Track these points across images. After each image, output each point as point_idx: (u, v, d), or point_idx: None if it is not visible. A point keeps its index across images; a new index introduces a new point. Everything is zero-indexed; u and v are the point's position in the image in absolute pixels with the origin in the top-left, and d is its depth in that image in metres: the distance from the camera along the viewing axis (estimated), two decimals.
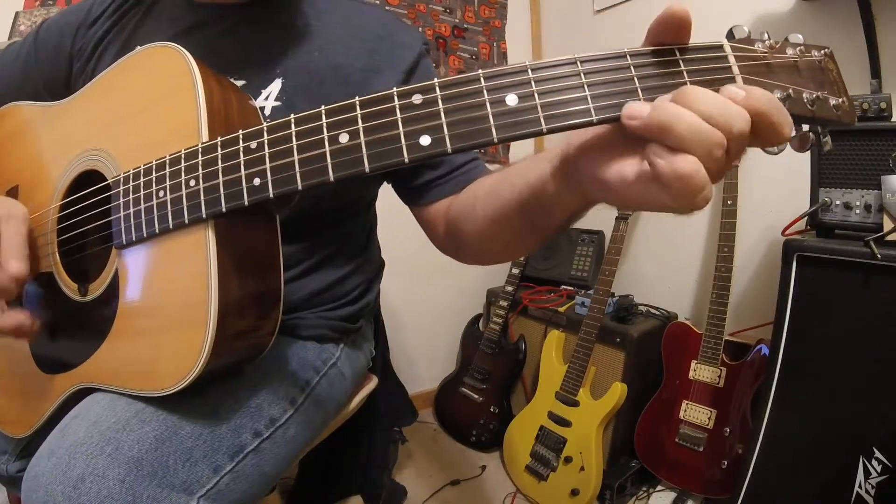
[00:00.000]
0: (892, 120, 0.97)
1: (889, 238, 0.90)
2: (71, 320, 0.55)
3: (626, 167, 0.32)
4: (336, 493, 1.16)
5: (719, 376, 1.26)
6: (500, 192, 0.49)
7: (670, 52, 0.32)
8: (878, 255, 0.89)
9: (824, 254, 0.97)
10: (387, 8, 1.73)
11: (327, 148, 0.37)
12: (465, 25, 1.91)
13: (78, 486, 0.41)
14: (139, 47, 0.54)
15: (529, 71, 0.33)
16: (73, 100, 0.59)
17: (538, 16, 2.09)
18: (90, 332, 0.51)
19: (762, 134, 0.30)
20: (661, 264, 1.67)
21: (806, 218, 1.05)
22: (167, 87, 0.49)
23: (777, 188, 1.34)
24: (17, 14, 1.23)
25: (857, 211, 0.98)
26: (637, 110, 0.30)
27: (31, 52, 0.71)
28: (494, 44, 1.98)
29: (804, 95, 0.33)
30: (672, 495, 1.34)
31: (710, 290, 1.28)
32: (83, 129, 0.56)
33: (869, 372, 0.92)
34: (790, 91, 0.33)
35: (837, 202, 1.00)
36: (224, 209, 0.42)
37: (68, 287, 0.55)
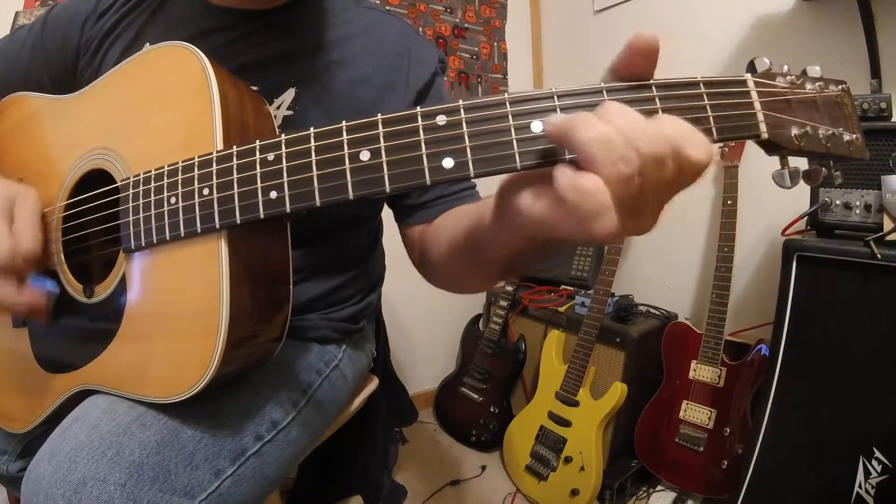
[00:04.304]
0: (892, 120, 0.97)
1: (889, 238, 0.90)
2: (75, 321, 0.55)
3: (538, 190, 0.32)
4: (336, 493, 1.17)
5: (719, 376, 1.26)
6: (458, 221, 0.50)
7: (695, 85, 0.32)
8: (878, 255, 0.89)
9: (824, 254, 0.97)
10: (387, 8, 1.72)
11: (347, 165, 0.36)
12: (466, 25, 1.90)
13: (79, 490, 0.41)
14: (151, 45, 0.52)
15: (556, 98, 0.32)
16: (81, 94, 0.58)
17: (538, 16, 2.09)
18: (94, 334, 0.51)
19: (682, 166, 0.29)
20: (661, 264, 1.67)
21: (806, 218, 1.05)
22: (181, 90, 0.48)
23: (777, 188, 1.33)
24: (17, 14, 1.23)
25: (857, 211, 0.98)
26: (555, 116, 0.30)
27: (38, 42, 0.69)
28: (495, 44, 1.98)
29: (820, 132, 0.34)
30: (672, 495, 1.34)
31: (710, 290, 1.29)
32: (92, 126, 0.56)
33: (869, 372, 0.92)
34: (808, 128, 0.33)
35: (837, 202, 1.00)
36: (238, 221, 0.41)
37: (73, 287, 0.54)
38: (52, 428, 0.48)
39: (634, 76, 0.32)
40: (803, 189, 1.04)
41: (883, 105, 0.96)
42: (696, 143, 0.29)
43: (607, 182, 0.27)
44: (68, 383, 0.53)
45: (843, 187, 0.99)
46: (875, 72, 1.14)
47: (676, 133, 0.28)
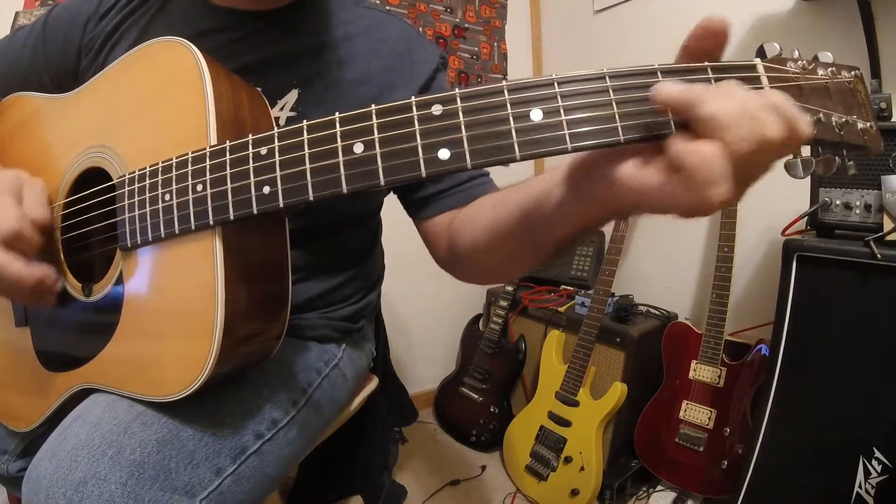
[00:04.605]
0: (892, 120, 0.97)
1: (889, 238, 0.90)
2: (74, 319, 0.55)
3: (639, 160, 0.31)
4: (336, 493, 1.17)
5: (719, 376, 1.26)
6: (507, 202, 0.47)
7: (702, 70, 0.31)
8: (878, 255, 0.89)
9: (824, 254, 0.97)
10: (388, 8, 1.72)
11: (341, 158, 0.36)
12: (466, 25, 1.91)
13: (80, 489, 0.41)
14: (147, 41, 0.52)
15: (556, 85, 0.31)
16: (78, 93, 0.58)
17: (538, 15, 2.09)
18: (94, 332, 0.51)
19: (787, 143, 0.30)
20: (661, 264, 1.67)
21: (806, 218, 1.05)
22: (175, 86, 0.47)
23: (777, 188, 1.33)
24: (17, 14, 1.23)
25: (857, 211, 0.98)
26: (669, 84, 0.30)
27: (39, 42, 0.68)
28: (495, 44, 1.98)
29: (833, 119, 0.32)
30: (672, 495, 1.34)
31: (710, 290, 1.28)
32: (89, 124, 0.56)
33: (869, 372, 0.92)
34: (820, 115, 0.32)
35: (837, 202, 1.00)
36: (232, 217, 0.41)
37: (72, 286, 0.54)
38: (54, 427, 0.48)
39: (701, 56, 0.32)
40: (803, 189, 1.04)
41: (883, 105, 0.96)
42: (803, 118, 0.30)
43: (729, 154, 0.28)
44: (70, 382, 0.53)
45: (843, 187, 0.99)
46: (875, 72, 1.14)
47: (788, 108, 0.29)
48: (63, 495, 0.41)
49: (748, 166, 0.29)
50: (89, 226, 0.54)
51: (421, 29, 1.80)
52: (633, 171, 0.31)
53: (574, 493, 1.30)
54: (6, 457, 0.64)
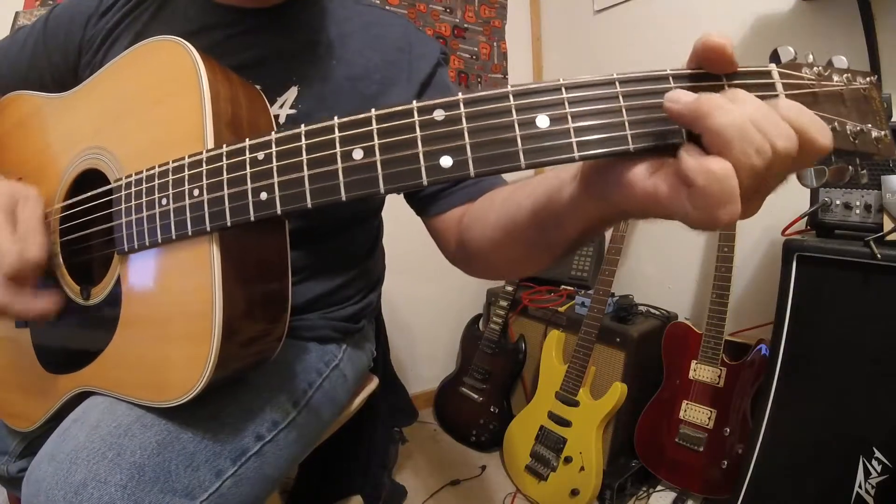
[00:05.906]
0: (892, 120, 0.97)
1: (889, 238, 0.90)
2: (73, 322, 0.55)
3: (650, 166, 0.30)
4: (336, 493, 1.17)
5: (719, 376, 1.26)
6: (517, 199, 0.47)
7: (715, 76, 0.30)
8: (878, 255, 0.89)
9: (824, 254, 0.97)
10: (387, 8, 1.72)
11: (339, 164, 0.35)
12: (466, 25, 1.90)
13: (80, 491, 0.41)
14: (144, 40, 0.52)
15: (564, 90, 0.30)
16: (76, 92, 0.58)
17: (538, 16, 2.09)
18: (92, 336, 0.51)
19: (803, 155, 0.28)
20: (661, 264, 1.67)
21: (806, 218, 1.05)
22: (172, 86, 0.47)
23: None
24: (17, 14, 1.23)
25: (857, 211, 0.98)
26: (681, 94, 0.29)
27: (40, 41, 0.68)
28: (495, 44, 1.98)
29: (848, 127, 0.31)
30: (672, 495, 1.34)
31: (710, 290, 1.28)
32: (86, 124, 0.55)
33: (869, 372, 0.92)
34: (835, 123, 0.31)
35: (837, 202, 1.00)
36: (229, 223, 0.40)
37: (71, 289, 0.54)
38: (54, 428, 0.48)
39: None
40: (803, 189, 1.04)
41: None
42: (820, 129, 0.28)
43: (739, 170, 0.27)
44: (70, 384, 0.53)
45: (843, 187, 0.99)
46: (875, 72, 1.14)
47: (802, 119, 0.28)
48: (63, 498, 0.41)
49: (761, 181, 0.28)
50: (87, 229, 0.54)
51: (420, 28, 1.80)
52: (644, 177, 0.30)
53: (574, 493, 1.30)
54: (6, 458, 0.64)
